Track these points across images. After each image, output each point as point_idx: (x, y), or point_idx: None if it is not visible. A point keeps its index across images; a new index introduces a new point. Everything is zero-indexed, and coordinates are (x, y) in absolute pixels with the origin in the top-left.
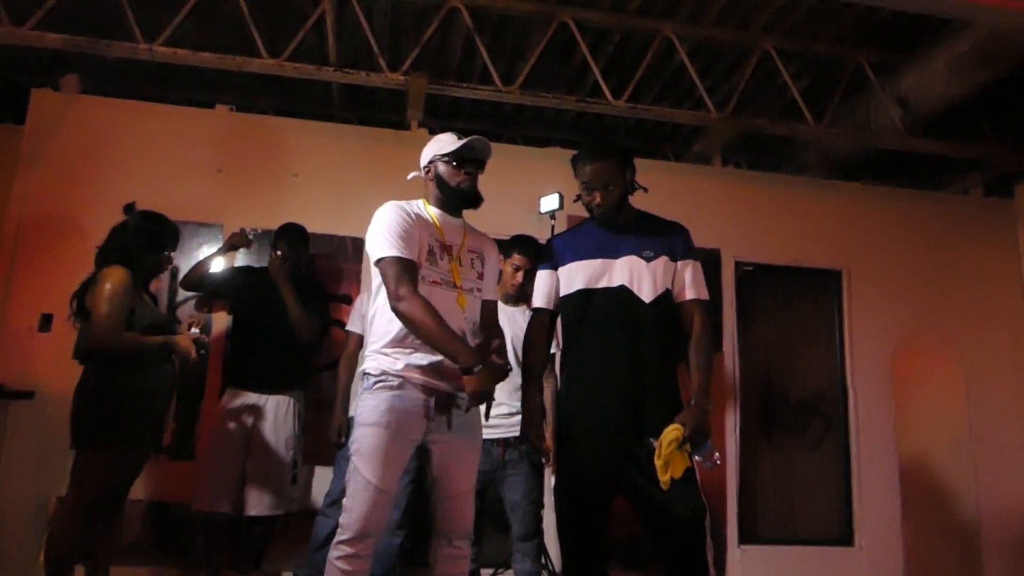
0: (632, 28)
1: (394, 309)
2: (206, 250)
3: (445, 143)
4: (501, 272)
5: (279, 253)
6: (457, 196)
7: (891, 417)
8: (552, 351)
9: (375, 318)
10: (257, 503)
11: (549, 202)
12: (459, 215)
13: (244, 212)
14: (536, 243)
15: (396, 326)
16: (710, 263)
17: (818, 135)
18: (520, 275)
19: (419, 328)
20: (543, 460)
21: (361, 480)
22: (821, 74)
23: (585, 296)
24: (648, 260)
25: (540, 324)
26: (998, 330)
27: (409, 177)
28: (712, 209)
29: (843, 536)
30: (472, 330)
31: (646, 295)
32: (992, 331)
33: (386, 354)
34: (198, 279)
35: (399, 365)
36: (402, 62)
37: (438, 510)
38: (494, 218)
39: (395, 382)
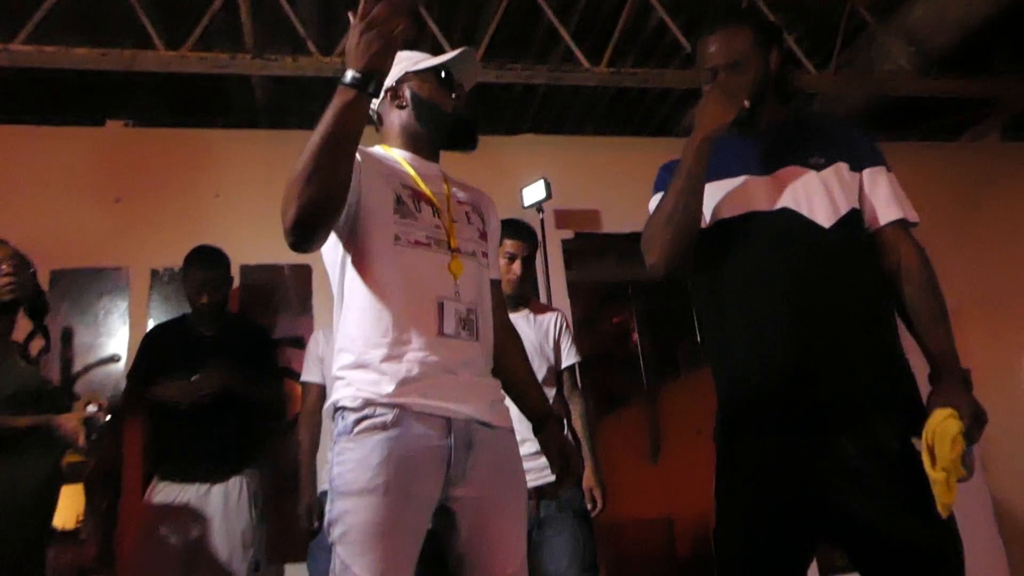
0: None
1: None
2: (107, 302)
3: (419, 58)
4: None
5: (195, 378)
6: (449, 124)
7: None
8: (572, 361)
9: (342, 318)
10: None
11: (534, 192)
12: (436, 158)
13: (154, 248)
14: (530, 227)
15: (376, 315)
16: None
17: (822, 85)
18: (517, 265)
19: (304, 175)
20: (590, 506)
21: None
22: (817, 21)
23: (730, 229)
24: (818, 168)
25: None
26: None
27: None
28: None
29: None
30: (466, 318)
31: (823, 218)
32: None
33: (366, 368)
34: None
35: (389, 386)
36: (335, 46)
37: None
38: None
39: (388, 415)
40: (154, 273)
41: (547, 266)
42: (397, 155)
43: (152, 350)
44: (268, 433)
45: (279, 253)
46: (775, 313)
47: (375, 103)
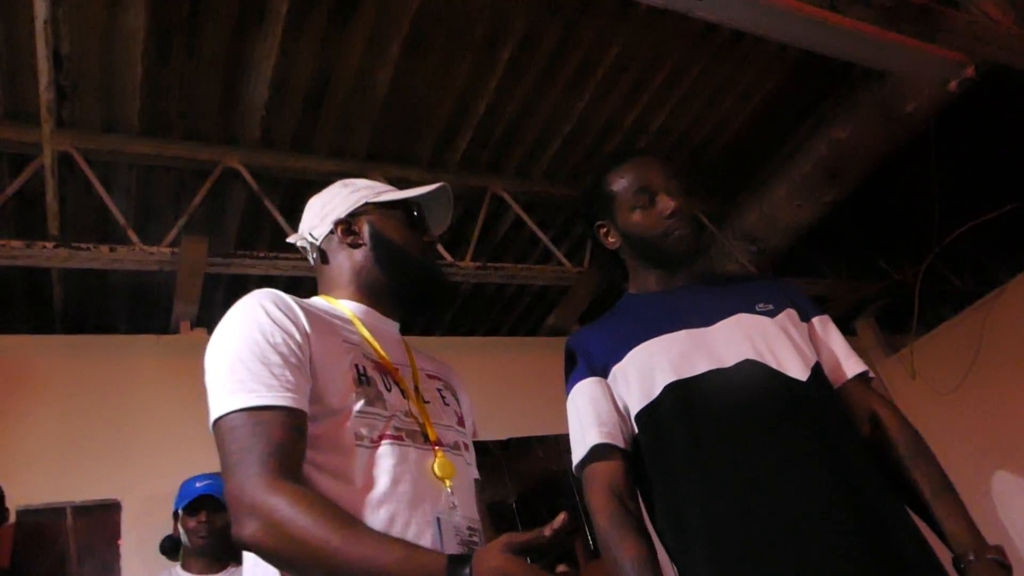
0: (456, 185)
1: (238, 540)
2: None
3: (381, 188)
4: None
5: None
6: (420, 274)
7: None
8: None
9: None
10: None
11: None
12: (397, 317)
13: None
14: None
15: None
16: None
17: None
18: None
19: (302, 557)
20: None
21: None
22: None
23: (684, 395)
24: (771, 315)
25: (603, 481)
26: None
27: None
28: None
29: None
30: (468, 540)
31: (796, 370)
32: None
33: None
34: None
35: None
36: (162, 237)
37: None
38: None
39: None
40: None
41: None
42: (346, 309)
43: None
44: None
45: (74, 488)
46: (789, 500)
47: (317, 238)
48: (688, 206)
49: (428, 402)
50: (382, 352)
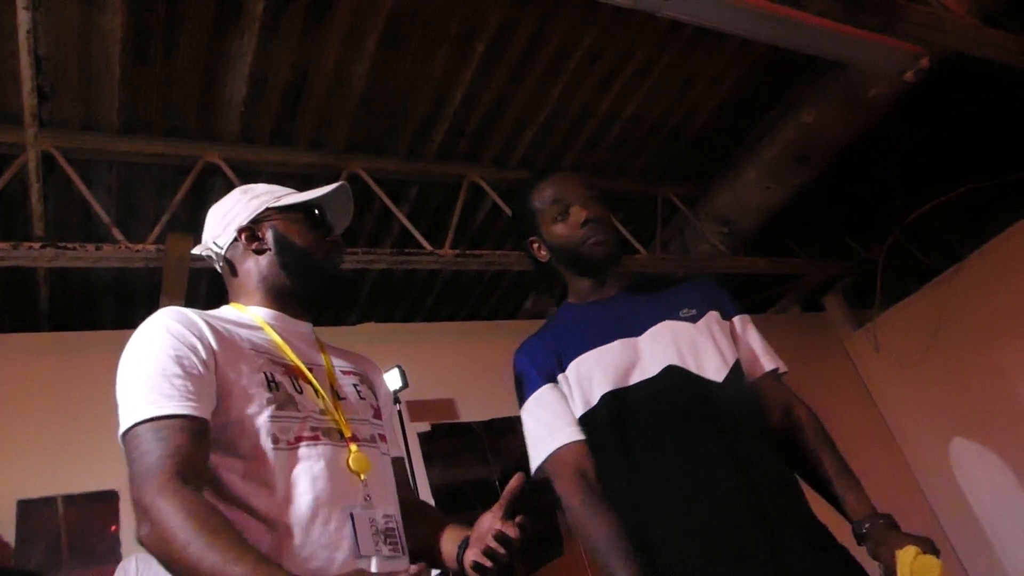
0: (434, 175)
1: (140, 541)
2: None
3: (281, 192)
4: None
5: None
6: (325, 276)
7: None
8: None
9: None
10: None
11: (388, 382)
12: (308, 317)
13: None
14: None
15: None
16: None
17: (649, 264)
18: None
19: (171, 562)
20: None
21: None
22: (637, 207)
23: (614, 405)
24: (693, 320)
25: (571, 466)
26: (865, 447)
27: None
28: None
29: None
30: (384, 529)
31: (713, 371)
32: (857, 446)
33: None
34: None
35: None
36: (146, 234)
37: None
38: None
39: None
40: None
41: (410, 464)
42: (256, 316)
43: None
44: None
45: (69, 481)
46: (704, 498)
47: (221, 247)
48: (603, 215)
49: (343, 399)
50: (292, 356)
